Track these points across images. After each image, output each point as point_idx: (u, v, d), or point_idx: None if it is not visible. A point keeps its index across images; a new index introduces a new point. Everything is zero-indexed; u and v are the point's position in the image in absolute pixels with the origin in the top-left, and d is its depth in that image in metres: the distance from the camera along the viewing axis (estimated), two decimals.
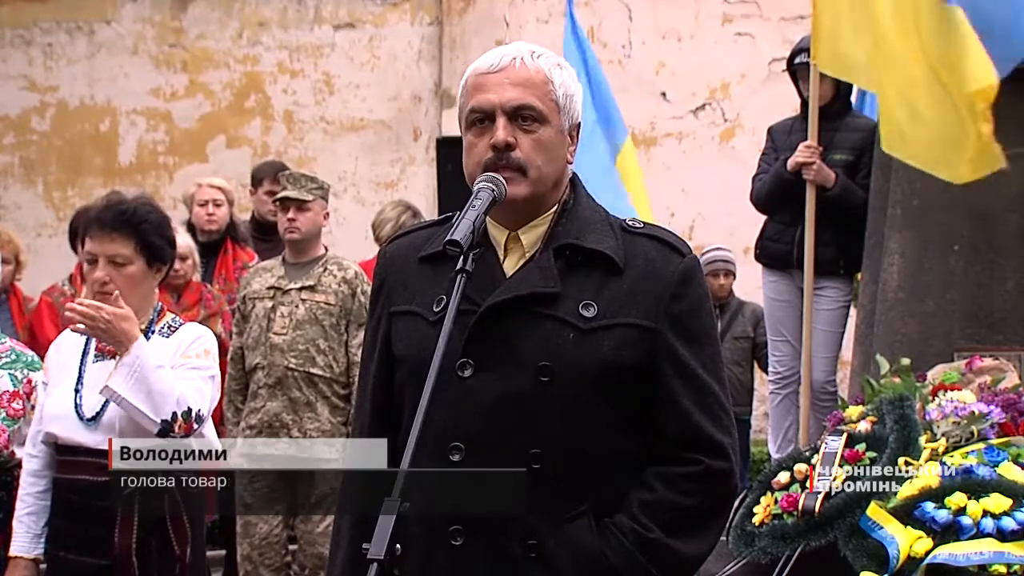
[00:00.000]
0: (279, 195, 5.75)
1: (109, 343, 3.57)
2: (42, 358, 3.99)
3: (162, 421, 3.51)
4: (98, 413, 3.58)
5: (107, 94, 10.48)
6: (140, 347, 3.52)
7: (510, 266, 2.37)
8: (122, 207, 3.71)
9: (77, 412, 3.59)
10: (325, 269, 5.71)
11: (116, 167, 10.49)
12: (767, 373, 7.80)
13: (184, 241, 6.02)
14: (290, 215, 5.68)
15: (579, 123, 2.43)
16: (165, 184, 10.38)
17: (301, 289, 5.65)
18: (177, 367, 3.63)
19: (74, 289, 6.04)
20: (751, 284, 7.32)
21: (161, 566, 3.59)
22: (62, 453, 3.65)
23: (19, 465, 3.89)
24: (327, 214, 5.92)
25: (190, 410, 3.57)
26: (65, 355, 3.74)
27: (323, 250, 5.83)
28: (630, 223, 2.43)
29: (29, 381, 4.00)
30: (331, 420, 5.62)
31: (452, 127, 9.64)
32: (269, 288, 5.69)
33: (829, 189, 5.71)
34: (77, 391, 3.63)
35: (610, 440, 2.33)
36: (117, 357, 3.54)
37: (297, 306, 5.63)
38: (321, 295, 5.65)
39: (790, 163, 5.74)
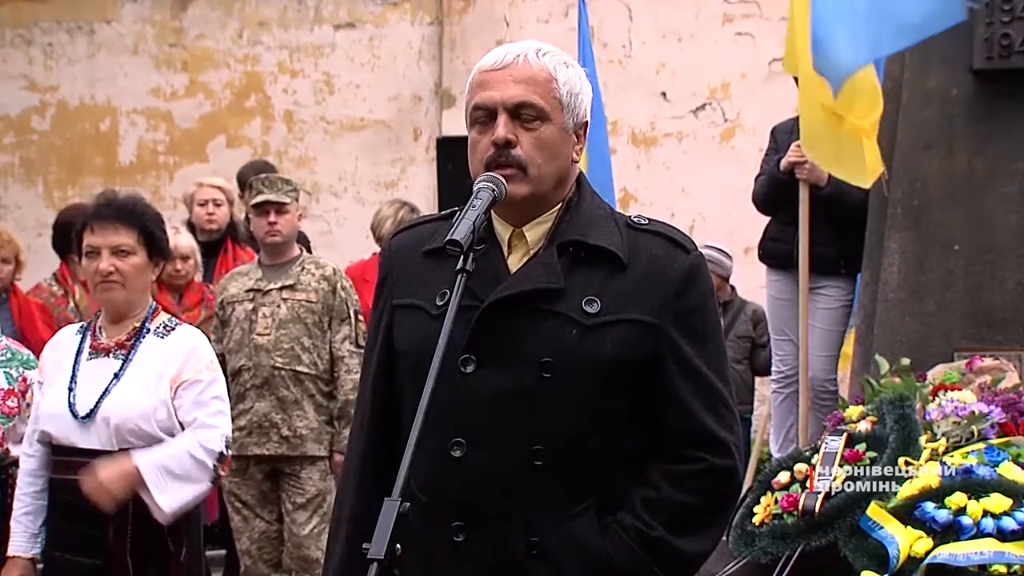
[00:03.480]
0: (257, 199, 5.71)
1: (127, 494, 3.58)
2: (37, 357, 4.00)
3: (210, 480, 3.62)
4: (92, 411, 3.58)
5: (107, 94, 10.49)
6: (142, 464, 3.55)
7: (514, 262, 2.37)
8: (122, 201, 3.78)
9: (71, 410, 3.60)
10: (303, 268, 5.72)
11: (116, 167, 10.49)
12: (759, 374, 7.82)
13: (186, 241, 6.03)
14: (270, 219, 5.68)
15: (586, 122, 2.42)
16: (165, 184, 10.38)
17: (281, 289, 5.66)
18: (187, 387, 3.64)
19: (64, 288, 6.03)
20: (752, 283, 7.32)
21: (156, 566, 3.60)
22: (58, 453, 3.66)
23: (14, 463, 3.90)
24: (301, 215, 5.94)
25: (221, 452, 3.65)
26: (60, 353, 3.75)
27: (298, 251, 5.85)
28: (635, 219, 2.44)
29: (24, 379, 4.01)
30: (317, 419, 5.63)
31: (452, 127, 9.68)
32: (248, 291, 5.68)
33: (822, 188, 5.72)
34: (71, 389, 3.63)
35: (613, 437, 2.33)
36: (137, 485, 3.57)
37: (279, 306, 5.63)
38: (302, 293, 5.66)
39: (783, 163, 5.77)
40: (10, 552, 3.68)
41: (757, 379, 7.97)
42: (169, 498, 3.56)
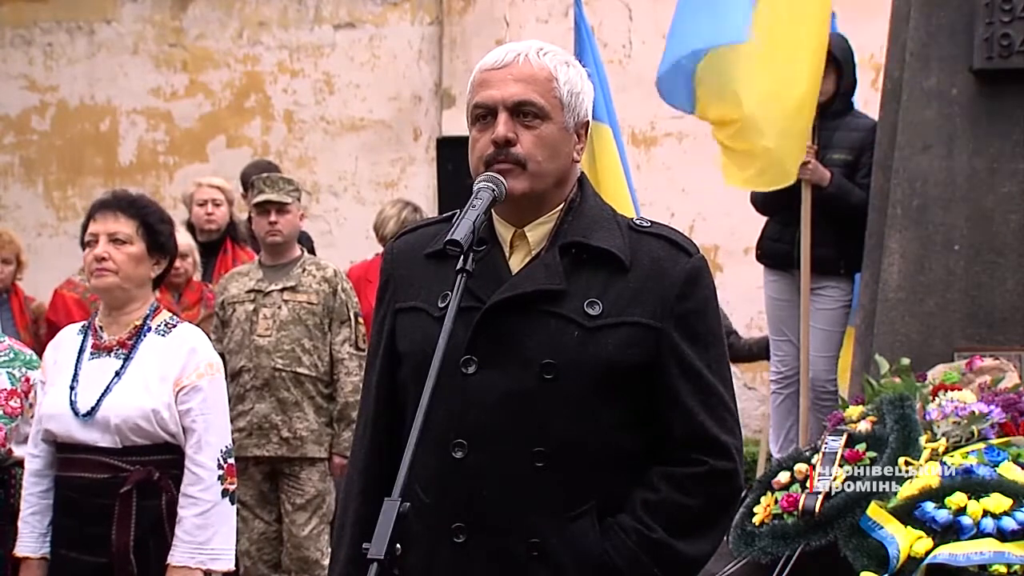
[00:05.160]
0: (258, 199, 5.71)
1: None
2: None
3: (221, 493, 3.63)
4: (93, 408, 3.58)
5: (107, 94, 10.48)
6: (180, 562, 3.58)
7: (516, 263, 2.38)
8: (127, 194, 3.79)
9: (73, 408, 3.60)
10: (304, 270, 5.73)
11: (116, 167, 10.48)
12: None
13: (184, 240, 6.02)
14: (271, 218, 5.68)
15: (587, 121, 2.42)
16: (165, 184, 10.37)
17: (283, 290, 5.66)
18: (189, 392, 3.63)
19: None
20: (751, 284, 7.32)
21: (159, 564, 3.60)
22: (61, 451, 3.66)
23: (17, 463, 3.91)
24: (302, 215, 5.94)
25: (221, 475, 3.64)
26: (62, 353, 3.75)
27: (299, 251, 5.85)
28: (637, 222, 2.44)
29: (27, 379, 4.01)
30: (317, 420, 5.63)
31: (452, 127, 9.67)
32: (249, 291, 5.68)
33: (825, 188, 5.72)
34: (72, 388, 3.63)
35: (613, 439, 2.33)
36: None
37: (280, 307, 5.64)
38: (303, 295, 5.66)
39: None
40: (21, 553, 3.69)
41: (758, 379, 7.96)
42: (218, 550, 3.62)
